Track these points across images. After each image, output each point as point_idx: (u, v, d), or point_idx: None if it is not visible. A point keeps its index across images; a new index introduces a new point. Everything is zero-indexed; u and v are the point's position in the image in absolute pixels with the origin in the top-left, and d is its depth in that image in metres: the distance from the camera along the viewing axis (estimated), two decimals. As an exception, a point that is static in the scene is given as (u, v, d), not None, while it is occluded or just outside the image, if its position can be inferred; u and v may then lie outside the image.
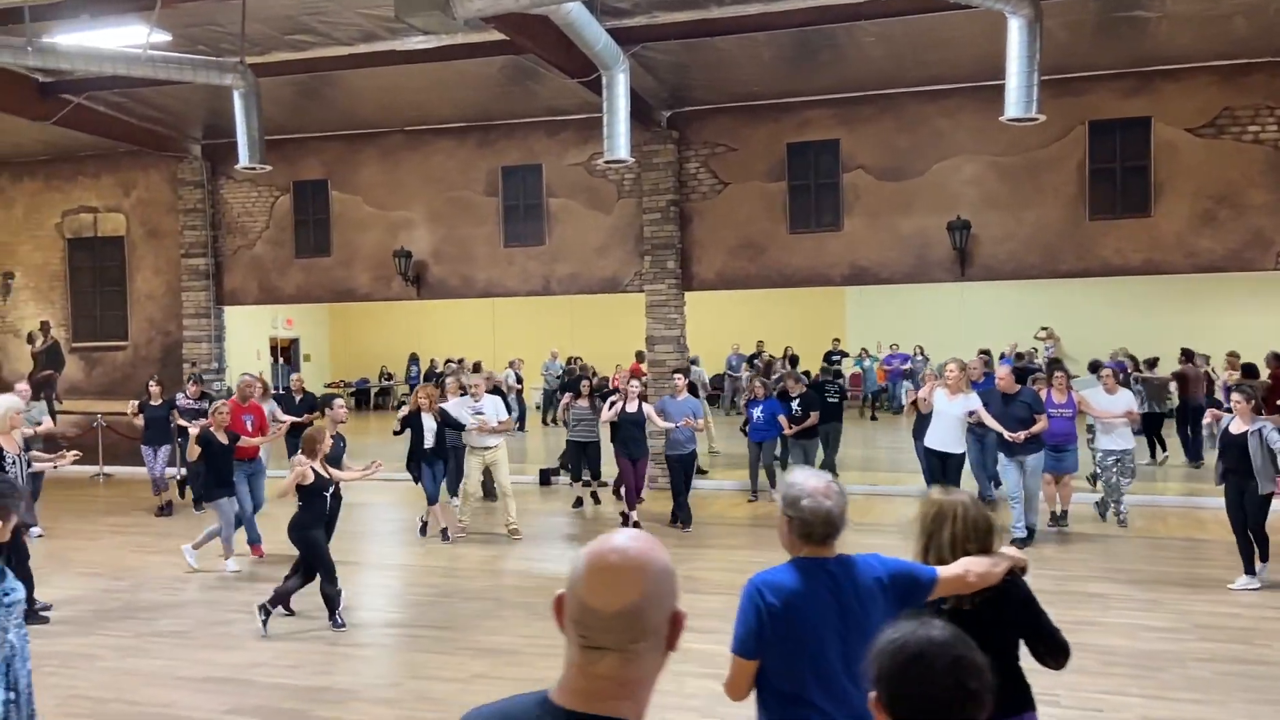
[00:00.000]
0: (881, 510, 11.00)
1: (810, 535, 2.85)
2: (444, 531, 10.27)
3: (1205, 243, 11.73)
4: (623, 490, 10.99)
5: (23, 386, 11.03)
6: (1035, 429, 9.40)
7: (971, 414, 9.60)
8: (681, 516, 10.67)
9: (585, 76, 10.36)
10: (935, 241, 12.45)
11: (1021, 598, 3.23)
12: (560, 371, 20.20)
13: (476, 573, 9.03)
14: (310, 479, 7.17)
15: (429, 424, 10.43)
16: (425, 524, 10.57)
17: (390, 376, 24.90)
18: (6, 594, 3.97)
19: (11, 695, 3.92)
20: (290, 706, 5.88)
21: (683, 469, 10.68)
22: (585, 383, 12.04)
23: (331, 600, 7.27)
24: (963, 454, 9.83)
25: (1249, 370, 12.56)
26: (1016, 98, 8.55)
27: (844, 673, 2.76)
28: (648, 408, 10.64)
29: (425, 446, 10.36)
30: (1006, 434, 9.37)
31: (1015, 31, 8.47)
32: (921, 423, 10.88)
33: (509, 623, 7.39)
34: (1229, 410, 8.20)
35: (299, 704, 5.91)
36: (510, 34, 9.45)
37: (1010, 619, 3.18)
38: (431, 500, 10.46)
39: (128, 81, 11.45)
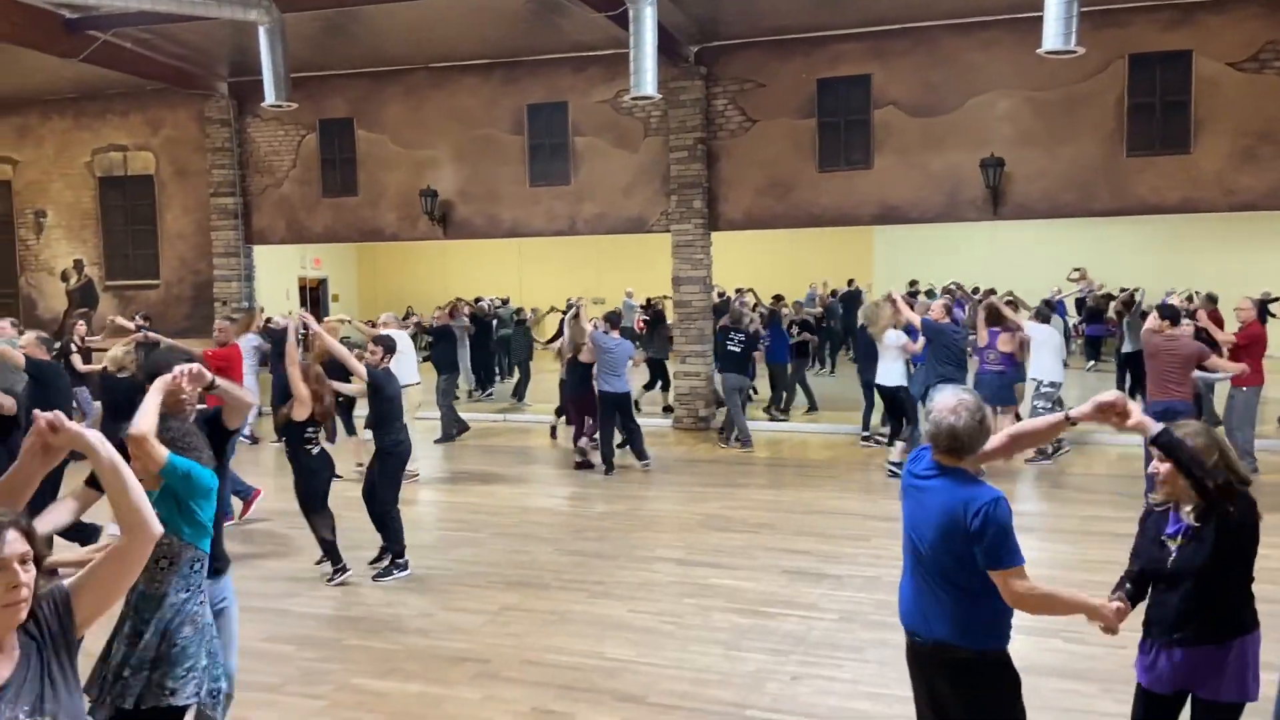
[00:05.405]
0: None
1: (936, 446, 3.23)
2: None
3: (1246, 180, 11.46)
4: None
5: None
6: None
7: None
8: (605, 456, 10.41)
9: (611, 10, 10.21)
10: (967, 179, 12.25)
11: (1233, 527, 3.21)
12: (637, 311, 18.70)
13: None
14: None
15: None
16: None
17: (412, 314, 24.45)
18: None
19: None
20: (326, 635, 6.04)
21: (614, 407, 10.39)
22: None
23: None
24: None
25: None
26: (1055, 30, 8.36)
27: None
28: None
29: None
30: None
31: (1054, -39, 8.24)
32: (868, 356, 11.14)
33: (535, 557, 7.51)
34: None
35: (334, 633, 6.08)
36: (536, -33, 9.31)
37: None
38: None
39: (153, 17, 11.41)
